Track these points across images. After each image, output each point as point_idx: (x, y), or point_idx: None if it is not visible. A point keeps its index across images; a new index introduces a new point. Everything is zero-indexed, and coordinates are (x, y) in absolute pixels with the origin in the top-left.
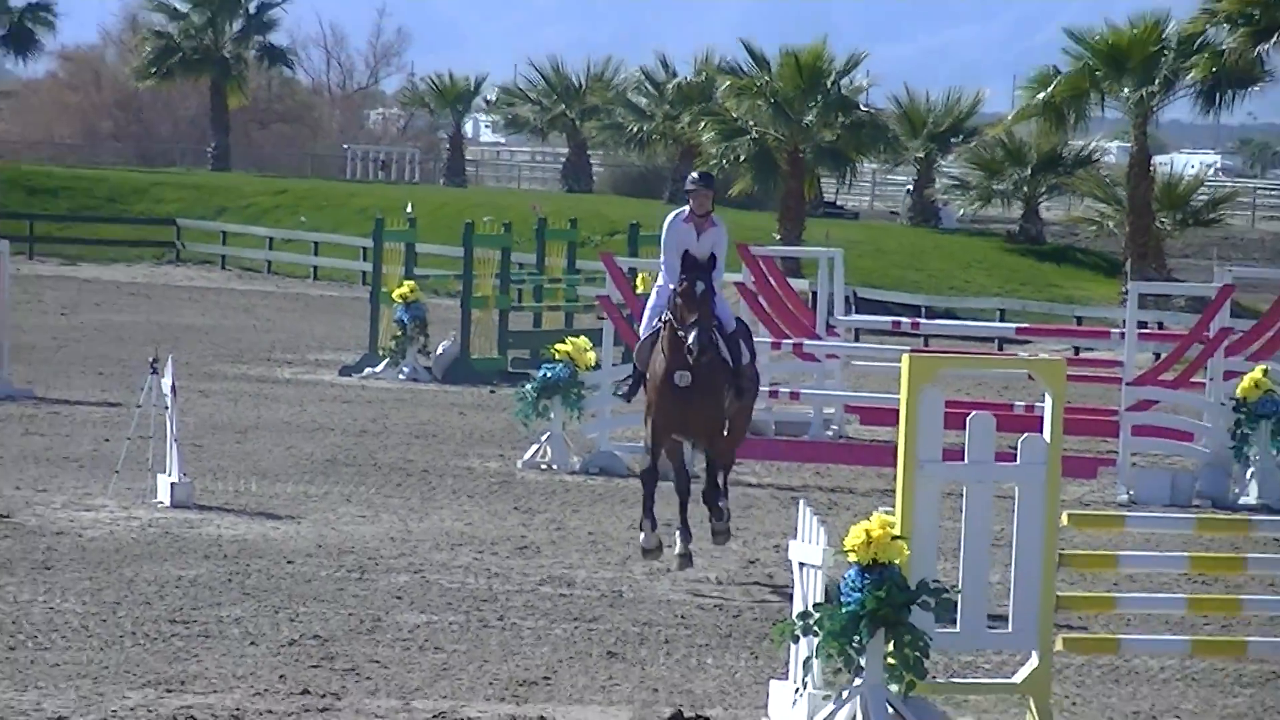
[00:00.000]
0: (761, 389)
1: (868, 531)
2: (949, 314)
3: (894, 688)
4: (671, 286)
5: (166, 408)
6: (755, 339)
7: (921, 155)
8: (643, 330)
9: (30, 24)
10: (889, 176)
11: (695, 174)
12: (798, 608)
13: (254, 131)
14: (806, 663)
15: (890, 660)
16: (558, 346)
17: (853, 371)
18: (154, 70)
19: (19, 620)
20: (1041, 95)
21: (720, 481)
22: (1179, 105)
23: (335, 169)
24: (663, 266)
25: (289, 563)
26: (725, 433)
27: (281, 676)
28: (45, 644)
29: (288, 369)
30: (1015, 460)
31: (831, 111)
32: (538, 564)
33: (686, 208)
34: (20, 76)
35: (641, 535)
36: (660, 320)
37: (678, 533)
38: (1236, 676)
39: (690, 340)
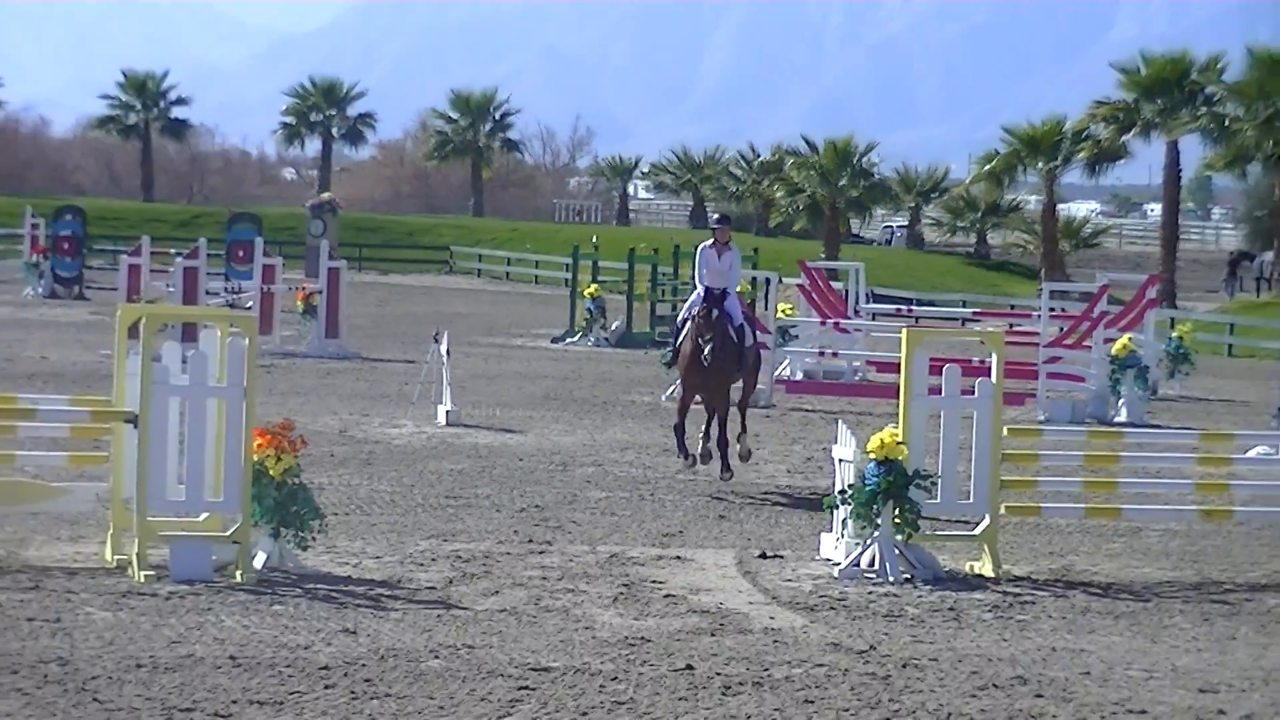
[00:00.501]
0: (812, 349)
1: (882, 439)
2: (931, 303)
3: (898, 537)
4: (699, 293)
5: (443, 363)
6: (808, 320)
7: (912, 205)
8: (680, 319)
9: (359, 125)
10: (891, 218)
11: (717, 215)
12: (837, 487)
13: (497, 192)
14: (844, 522)
15: (896, 520)
16: None
17: (871, 339)
18: (436, 154)
19: (350, 496)
20: (987, 167)
21: (723, 431)
22: (1073, 173)
23: (548, 215)
24: (696, 278)
25: (520, 460)
26: (741, 390)
27: (515, 531)
28: (367, 511)
29: (519, 339)
30: (974, 395)
31: (856, 178)
32: (675, 462)
33: (712, 239)
34: (352, 158)
35: (681, 459)
36: (691, 315)
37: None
38: (1114, 530)
39: (706, 351)
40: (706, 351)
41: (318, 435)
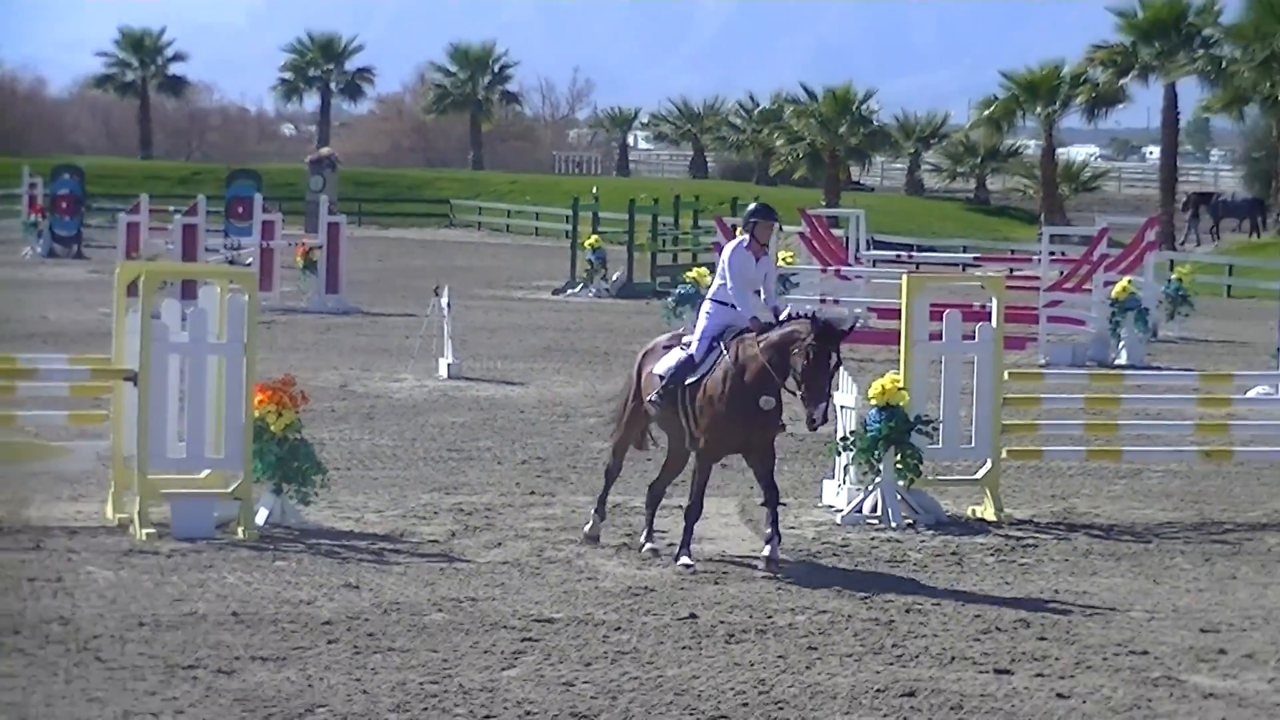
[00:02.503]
0: (814, 296)
1: (883, 385)
2: (931, 249)
3: (900, 483)
4: (742, 311)
5: (444, 316)
6: (809, 267)
7: (912, 151)
8: (696, 346)
9: (358, 80)
10: (891, 165)
11: (756, 204)
12: (840, 434)
13: (497, 145)
14: (846, 468)
15: (898, 466)
16: (688, 274)
17: (871, 286)
18: (435, 108)
19: (352, 451)
20: (986, 113)
21: (775, 508)
22: (1072, 117)
23: (548, 167)
24: (727, 290)
25: (521, 412)
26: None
27: (517, 483)
28: (369, 465)
29: (519, 291)
30: (974, 339)
31: (856, 125)
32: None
33: (747, 237)
34: (351, 113)
35: (686, 558)
36: (724, 344)
37: (595, 514)
38: (1115, 472)
39: (818, 413)
40: (818, 413)
41: (319, 390)
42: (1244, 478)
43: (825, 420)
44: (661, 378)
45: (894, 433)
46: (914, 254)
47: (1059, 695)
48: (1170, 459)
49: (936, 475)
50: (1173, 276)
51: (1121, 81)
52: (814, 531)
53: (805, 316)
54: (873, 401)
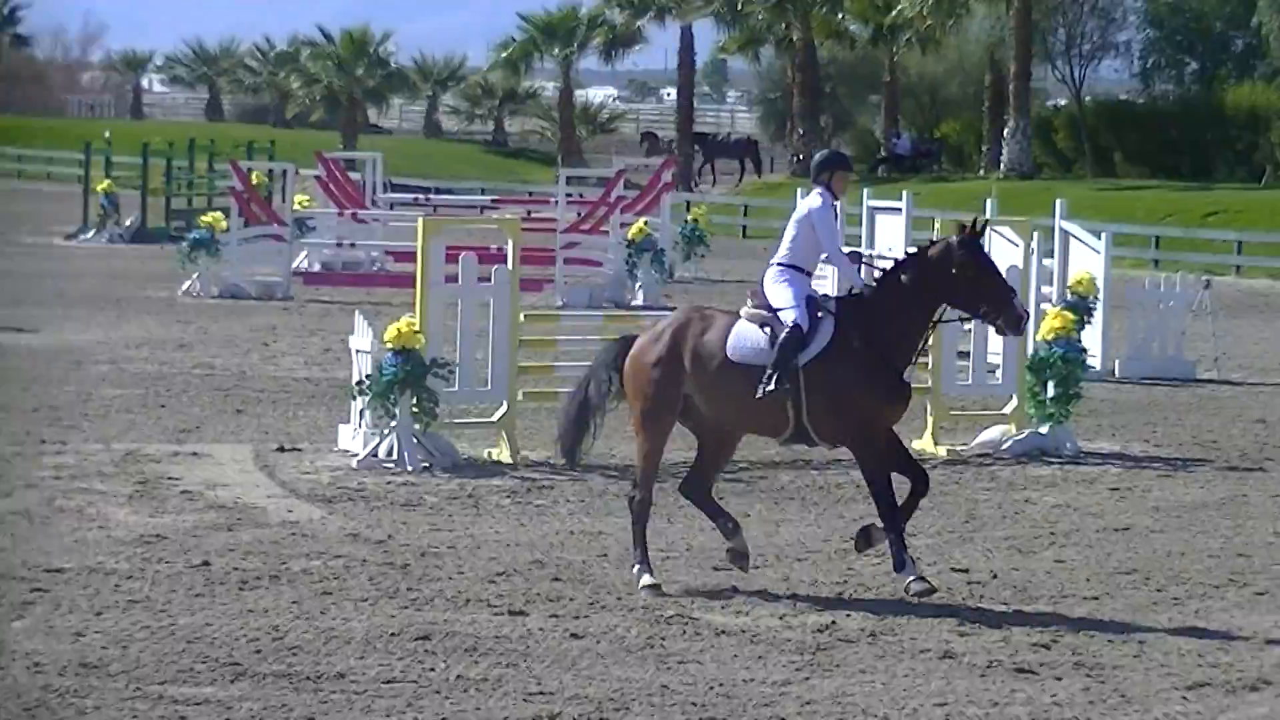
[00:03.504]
0: (330, 240)
1: (399, 329)
2: (449, 192)
3: (417, 426)
4: (846, 272)
5: None
6: (325, 211)
7: (430, 94)
8: (796, 314)
9: None
10: (409, 108)
11: (833, 154)
12: (355, 378)
13: (11, 90)
14: (361, 412)
15: (414, 409)
16: (202, 219)
17: (389, 229)
18: None
19: None
20: (504, 54)
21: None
22: (590, 59)
23: (59, 111)
24: (830, 252)
25: (32, 359)
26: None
27: (28, 431)
28: None
29: (30, 237)
30: (490, 282)
31: (374, 67)
32: (191, 356)
33: (821, 187)
34: None
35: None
36: (833, 309)
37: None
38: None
39: (1018, 307)
40: (1021, 307)
41: None
42: None
43: (1028, 314)
44: (756, 366)
45: (410, 376)
46: (431, 197)
47: (573, 635)
48: None
49: (453, 419)
50: (689, 217)
51: (639, 23)
52: (330, 476)
53: (927, 245)
54: (389, 345)
